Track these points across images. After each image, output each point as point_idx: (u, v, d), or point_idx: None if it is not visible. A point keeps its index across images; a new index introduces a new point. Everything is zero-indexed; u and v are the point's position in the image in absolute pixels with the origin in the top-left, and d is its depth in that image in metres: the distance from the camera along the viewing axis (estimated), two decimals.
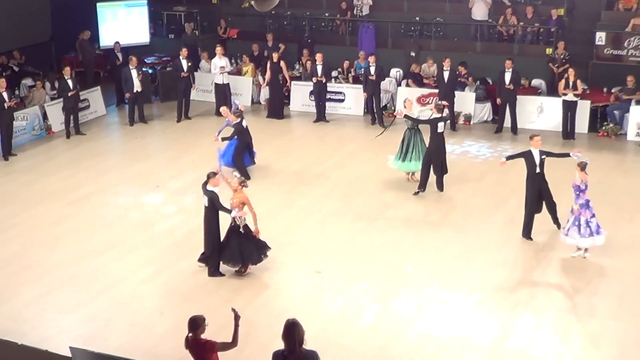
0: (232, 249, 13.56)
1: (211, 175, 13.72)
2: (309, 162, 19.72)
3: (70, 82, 22.05)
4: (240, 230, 13.52)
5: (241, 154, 18.28)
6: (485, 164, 19.37)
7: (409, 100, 18.67)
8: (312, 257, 14.56)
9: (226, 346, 9.28)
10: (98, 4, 26.62)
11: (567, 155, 14.78)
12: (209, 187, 13.52)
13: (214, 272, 13.74)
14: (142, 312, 12.78)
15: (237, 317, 9.22)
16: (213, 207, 13.44)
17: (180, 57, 23.86)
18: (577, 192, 13.98)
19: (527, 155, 14.82)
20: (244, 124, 18.38)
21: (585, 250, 14.18)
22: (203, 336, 9.27)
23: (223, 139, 18.20)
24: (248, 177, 17.25)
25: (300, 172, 19.08)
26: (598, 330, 11.98)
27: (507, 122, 21.80)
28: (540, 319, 12.32)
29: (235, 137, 18.17)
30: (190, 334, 9.28)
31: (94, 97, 24.36)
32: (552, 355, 11.42)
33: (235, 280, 13.60)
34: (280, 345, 8.63)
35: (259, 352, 9.47)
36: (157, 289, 13.56)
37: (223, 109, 19.21)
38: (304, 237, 15.43)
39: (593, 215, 14.03)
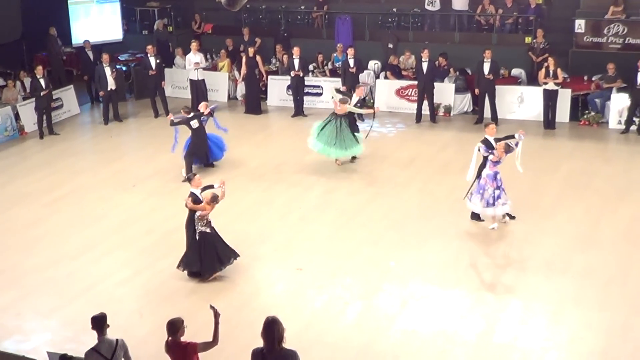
0: (194, 254, 13.47)
1: (191, 177, 13.69)
2: (288, 157, 19.65)
3: (42, 81, 21.89)
4: (196, 235, 13.35)
5: (193, 153, 18.27)
6: (467, 155, 19.31)
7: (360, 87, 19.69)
8: (293, 254, 14.52)
9: (207, 345, 9.24)
10: (69, 1, 26.44)
11: (512, 136, 15.22)
12: (190, 189, 13.45)
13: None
14: (120, 315, 12.64)
15: (216, 315, 9.19)
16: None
17: (148, 55, 23.74)
18: (492, 164, 14.91)
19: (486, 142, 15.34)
20: (195, 124, 18.16)
21: (494, 218, 15.18)
22: (183, 338, 9.21)
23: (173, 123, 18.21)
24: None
25: (279, 168, 19.02)
26: (584, 321, 12.00)
27: (487, 113, 21.84)
28: (526, 312, 12.33)
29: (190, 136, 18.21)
30: (169, 338, 9.21)
31: (67, 96, 24.21)
32: (539, 347, 11.42)
33: (215, 280, 13.51)
34: (261, 344, 8.58)
35: (240, 352, 9.43)
36: (135, 290, 13.47)
37: (203, 105, 18.96)
38: (284, 234, 15.38)
39: (498, 188, 14.89)
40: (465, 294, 12.90)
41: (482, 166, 15.20)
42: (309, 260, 14.23)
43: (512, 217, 15.38)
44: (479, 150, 15.13)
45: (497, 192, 14.88)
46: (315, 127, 18.81)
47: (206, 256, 13.31)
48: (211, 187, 13.80)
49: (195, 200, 13.32)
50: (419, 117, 22.38)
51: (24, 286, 13.71)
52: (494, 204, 14.92)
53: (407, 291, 13.04)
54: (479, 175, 15.19)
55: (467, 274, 13.55)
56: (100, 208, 17.02)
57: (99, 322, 9.52)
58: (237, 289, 13.33)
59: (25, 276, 14.07)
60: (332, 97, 19.48)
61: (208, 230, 13.27)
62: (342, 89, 23.08)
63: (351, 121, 19.12)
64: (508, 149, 14.89)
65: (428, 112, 22.32)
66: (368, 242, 14.94)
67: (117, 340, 9.48)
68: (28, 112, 22.55)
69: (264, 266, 14.07)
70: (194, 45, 23.93)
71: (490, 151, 14.85)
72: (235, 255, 13.66)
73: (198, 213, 13.19)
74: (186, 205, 13.41)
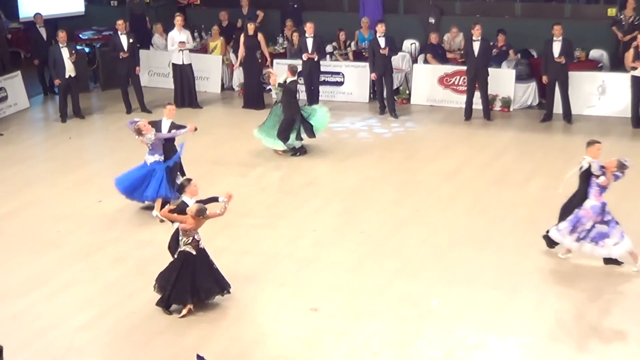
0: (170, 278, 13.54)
1: (185, 183, 13.74)
2: (298, 165, 19.73)
3: None
4: (175, 254, 13.48)
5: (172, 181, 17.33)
6: (531, 163, 19.35)
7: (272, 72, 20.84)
8: (306, 290, 14.49)
9: None
10: None
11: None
12: (184, 198, 13.66)
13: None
14: None
15: None
16: None
17: (118, 32, 23.82)
18: (598, 192, 14.45)
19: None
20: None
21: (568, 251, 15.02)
22: None
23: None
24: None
25: (288, 179, 19.10)
26: None
27: (558, 107, 21.81)
28: None
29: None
30: None
31: (13, 85, 24.36)
32: None
33: (206, 323, 13.50)
34: None
35: None
36: (101, 337, 13.43)
37: (143, 125, 17.20)
38: (294, 265, 15.36)
39: (604, 222, 14.49)
40: (529, 343, 12.83)
41: (582, 194, 14.76)
42: (327, 298, 14.20)
43: (619, 263, 14.87)
44: (588, 167, 14.42)
45: (601, 227, 14.48)
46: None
47: (178, 281, 13.39)
48: (214, 199, 13.87)
49: (182, 210, 13.41)
50: (468, 112, 22.42)
51: None
52: (584, 239, 14.56)
53: (454, 338, 12.98)
54: (579, 203, 14.83)
55: (531, 317, 13.48)
56: (57, 230, 17.05)
57: None
58: (233, 334, 13.29)
59: None
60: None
61: (193, 252, 13.32)
62: (372, 76, 23.11)
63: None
64: (621, 168, 14.39)
65: (481, 107, 22.33)
66: (403, 274, 14.91)
67: None
68: None
69: (268, 305, 14.05)
70: (178, 20, 24.04)
71: (602, 170, 14.49)
72: (226, 289, 13.75)
73: (179, 225, 13.29)
74: (162, 214, 13.49)
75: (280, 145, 20.09)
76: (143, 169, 17.12)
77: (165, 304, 13.67)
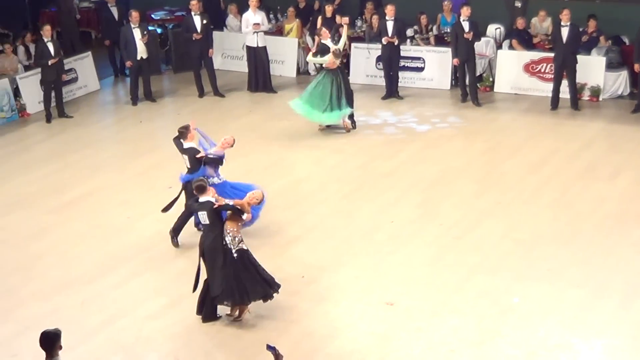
0: (225, 281, 13.35)
1: (204, 184, 13.53)
2: (376, 154, 19.74)
3: (51, 46, 22.22)
4: (234, 254, 13.23)
5: None
6: (621, 155, 19.17)
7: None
8: (382, 284, 14.52)
9: None
10: None
11: None
12: (202, 199, 13.42)
13: (209, 315, 13.62)
14: (150, 359, 12.84)
15: (278, 358, 9.25)
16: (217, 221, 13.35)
17: (192, 13, 23.95)
18: None
19: None
20: None
21: None
22: None
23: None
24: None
25: (364, 168, 19.11)
26: None
27: None
28: None
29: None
30: None
31: (84, 66, 24.61)
32: None
33: (277, 315, 13.55)
34: None
35: None
36: (170, 327, 13.56)
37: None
38: (369, 257, 15.40)
39: None
40: (616, 344, 12.71)
41: None
42: (403, 292, 14.22)
43: None
44: None
45: None
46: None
47: (246, 281, 13.18)
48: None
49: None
50: (555, 102, 22.25)
51: (22, 318, 13.86)
52: None
53: (535, 338, 12.93)
54: None
55: (619, 317, 13.34)
56: (125, 216, 17.27)
57: (50, 341, 9.59)
58: (306, 327, 13.35)
59: (24, 305, 14.25)
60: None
61: (244, 247, 13.27)
62: (454, 62, 23.05)
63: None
64: None
65: (568, 96, 22.17)
66: (483, 269, 14.88)
67: None
68: (31, 87, 22.99)
69: (342, 299, 14.09)
70: (253, 0, 24.08)
71: None
72: (274, 289, 13.57)
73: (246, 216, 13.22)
74: (218, 207, 13.20)
75: (327, 120, 20.74)
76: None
77: (214, 313, 13.58)
